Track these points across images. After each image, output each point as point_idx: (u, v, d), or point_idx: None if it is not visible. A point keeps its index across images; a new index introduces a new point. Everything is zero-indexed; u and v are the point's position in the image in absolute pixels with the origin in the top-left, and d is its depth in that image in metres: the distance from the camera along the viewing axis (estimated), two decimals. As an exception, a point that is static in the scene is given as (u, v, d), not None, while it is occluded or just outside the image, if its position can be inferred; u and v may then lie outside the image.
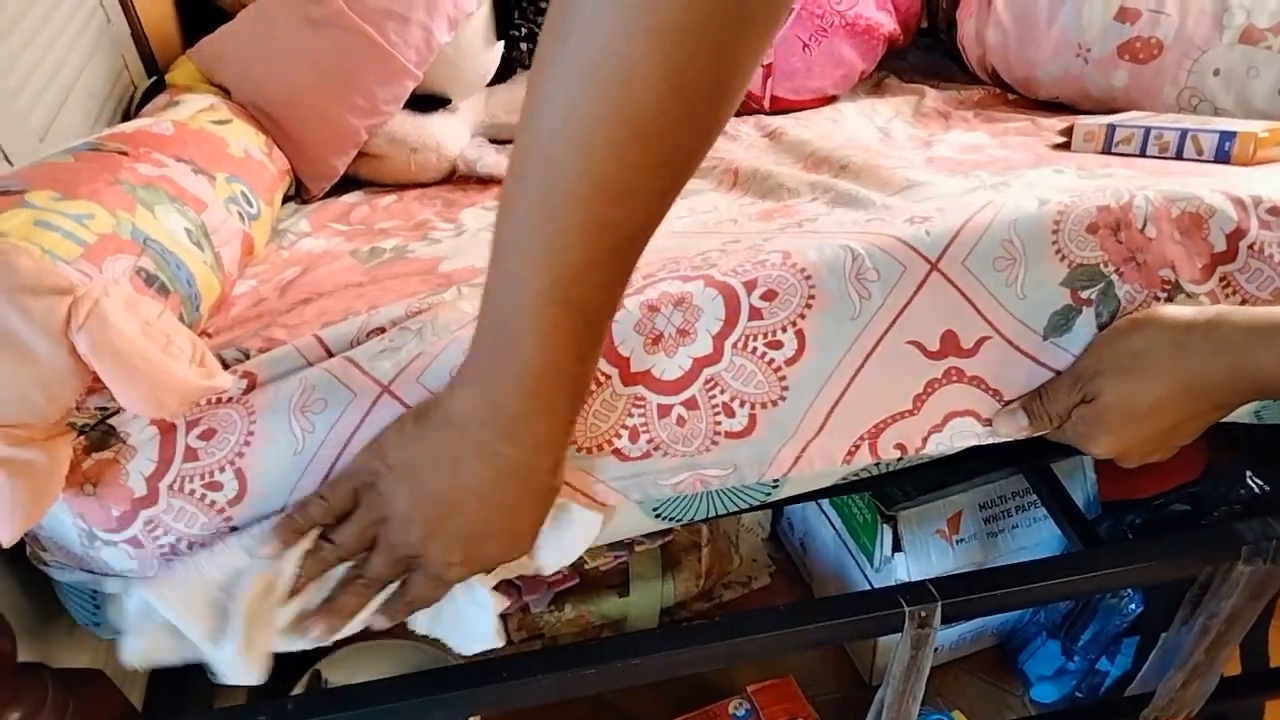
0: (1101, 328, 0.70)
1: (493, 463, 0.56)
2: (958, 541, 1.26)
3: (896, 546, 1.24)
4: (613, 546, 1.31)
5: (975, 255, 0.68)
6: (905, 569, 1.24)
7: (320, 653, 1.20)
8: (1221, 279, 0.71)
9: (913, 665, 0.82)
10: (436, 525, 0.58)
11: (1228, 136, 0.89)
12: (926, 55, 1.47)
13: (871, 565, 1.28)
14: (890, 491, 1.24)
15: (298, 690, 1.14)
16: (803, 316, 0.66)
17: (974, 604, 0.80)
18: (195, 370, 0.60)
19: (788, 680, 1.23)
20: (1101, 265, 0.69)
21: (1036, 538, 1.28)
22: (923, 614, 0.77)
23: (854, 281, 0.66)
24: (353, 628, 0.64)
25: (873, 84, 1.39)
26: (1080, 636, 1.24)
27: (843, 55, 1.28)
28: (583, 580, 1.34)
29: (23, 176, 0.66)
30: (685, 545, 1.39)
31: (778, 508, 1.50)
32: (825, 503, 1.37)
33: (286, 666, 1.14)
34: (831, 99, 1.32)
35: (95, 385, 0.60)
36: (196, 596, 0.63)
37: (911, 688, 0.85)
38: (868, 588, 1.30)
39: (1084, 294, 0.69)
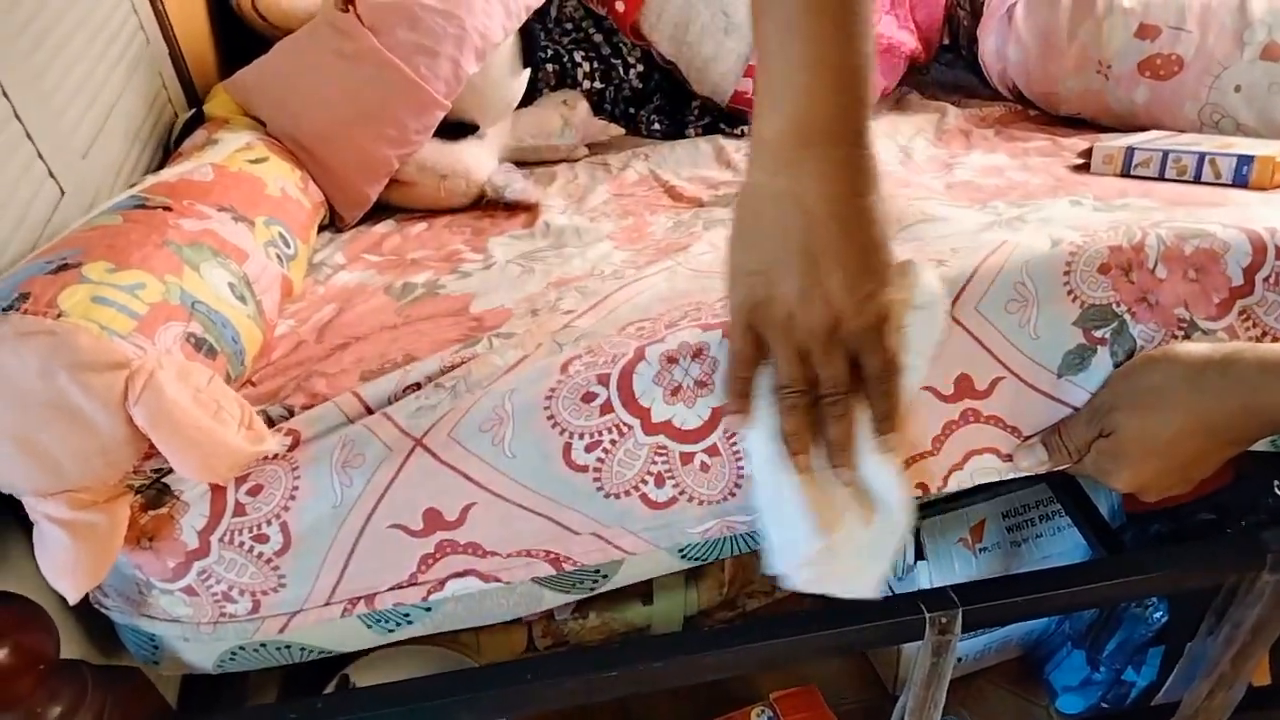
0: (1118, 366, 0.71)
1: (820, 175, 0.58)
2: (980, 550, 1.26)
3: (919, 555, 1.24)
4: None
5: (988, 299, 0.69)
6: (928, 577, 1.24)
7: (348, 657, 1.24)
8: (1241, 313, 0.72)
9: (934, 672, 0.83)
10: (828, 280, 0.59)
11: (1246, 160, 0.89)
12: (948, 71, 1.47)
13: (894, 574, 1.30)
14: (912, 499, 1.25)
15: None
16: (819, 366, 0.68)
17: (995, 611, 0.81)
18: (244, 435, 0.64)
19: (811, 688, 1.23)
20: (1114, 305, 0.70)
21: (1060, 547, 1.28)
22: (943, 620, 0.78)
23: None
24: (875, 464, 0.66)
25: (894, 100, 1.39)
26: (1105, 646, 1.24)
27: (864, 73, 1.29)
28: (606, 587, 1.36)
29: (78, 244, 0.69)
30: (710, 554, 1.40)
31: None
32: (849, 512, 1.38)
33: (315, 671, 1.19)
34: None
35: (151, 451, 0.64)
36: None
37: (933, 695, 0.85)
38: (887, 596, 1.31)
39: (1097, 333, 0.71)
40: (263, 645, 0.73)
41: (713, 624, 1.43)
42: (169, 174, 0.90)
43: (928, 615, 0.78)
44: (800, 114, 0.58)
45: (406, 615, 0.73)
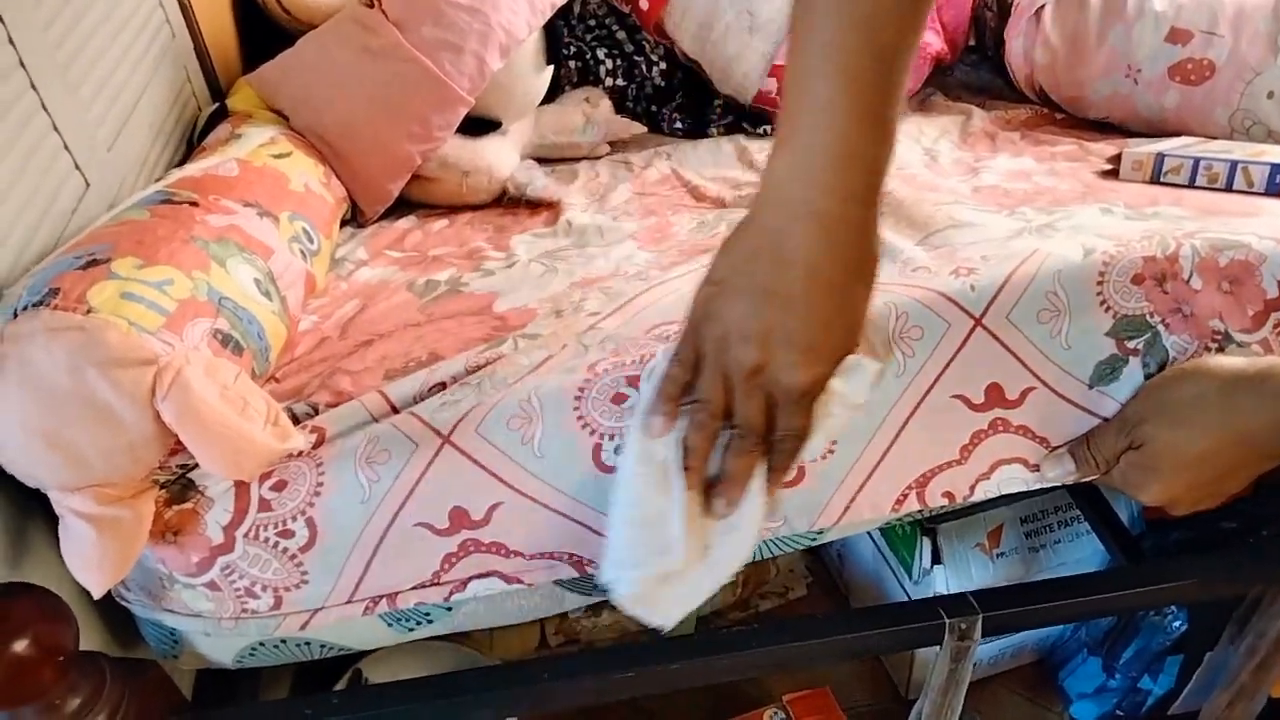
0: (1149, 377, 0.71)
1: (814, 223, 0.55)
2: (998, 555, 1.25)
3: (936, 559, 1.23)
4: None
5: (1019, 308, 0.69)
6: (944, 582, 1.23)
7: (361, 652, 1.24)
8: (1276, 326, 0.71)
9: (952, 678, 0.82)
10: (771, 322, 0.56)
11: (1279, 169, 0.89)
12: (973, 72, 1.46)
13: (910, 578, 1.28)
14: (930, 503, 1.24)
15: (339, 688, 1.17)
16: (849, 374, 0.68)
17: (1015, 618, 0.80)
18: (270, 432, 0.64)
19: (824, 691, 1.23)
20: (1147, 316, 0.70)
21: (1079, 553, 1.27)
22: (963, 626, 0.78)
23: (898, 340, 0.68)
24: (752, 507, 0.63)
25: (919, 101, 1.38)
26: (1122, 654, 1.23)
27: (889, 74, 1.28)
28: (621, 585, 1.36)
29: (107, 240, 0.69)
30: (722, 555, 1.40)
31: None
32: (863, 515, 1.38)
33: (328, 666, 1.19)
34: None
35: (177, 447, 0.64)
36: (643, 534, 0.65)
37: (950, 701, 0.85)
38: (906, 600, 1.31)
39: (1130, 344, 0.70)
40: (283, 641, 0.73)
41: (725, 624, 1.43)
42: (194, 169, 0.90)
43: (947, 621, 0.77)
44: (825, 153, 0.54)
45: (427, 614, 0.73)
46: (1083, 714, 1.28)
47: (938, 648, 0.80)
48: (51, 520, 0.65)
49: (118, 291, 0.63)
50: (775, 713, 1.23)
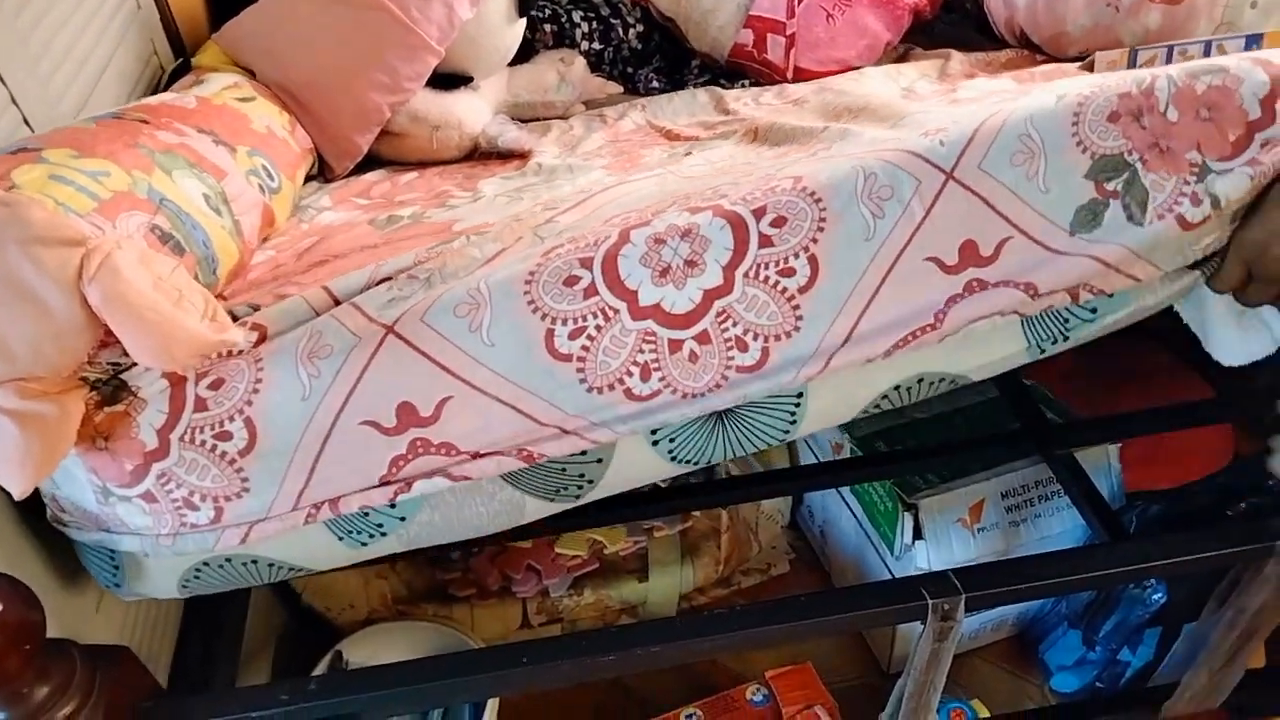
0: (1130, 219, 0.66)
1: None
2: (979, 530, 1.22)
3: (917, 534, 1.21)
4: (632, 532, 1.31)
5: (991, 155, 0.65)
6: (926, 557, 1.21)
7: (340, 634, 1.21)
8: (1264, 144, 0.66)
9: (935, 657, 0.80)
10: None
11: (1255, 39, 0.86)
12: (952, 30, 1.42)
13: (892, 553, 1.25)
14: (912, 479, 1.22)
15: (319, 670, 1.14)
16: (815, 241, 0.64)
17: (998, 596, 0.80)
18: (207, 325, 0.60)
19: (806, 667, 1.21)
20: (1125, 154, 0.65)
21: (1059, 527, 1.24)
22: (946, 607, 0.76)
23: (866, 200, 0.64)
24: None
25: (897, 56, 1.35)
26: (1102, 626, 1.20)
27: (867, 25, 1.26)
28: (602, 565, 1.33)
29: (42, 138, 0.67)
30: (705, 532, 1.37)
31: (798, 495, 1.49)
32: (845, 490, 1.35)
33: (309, 650, 1.16)
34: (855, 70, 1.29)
35: (107, 339, 0.60)
36: None
37: (933, 678, 0.83)
38: (887, 576, 1.27)
39: (1109, 185, 0.65)
40: (227, 560, 0.69)
41: (707, 602, 1.41)
42: (150, 99, 0.88)
43: (930, 601, 0.76)
44: None
45: (380, 526, 0.69)
46: (1063, 686, 1.26)
47: (921, 625, 0.78)
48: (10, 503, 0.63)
49: (46, 174, 0.61)
50: (757, 689, 1.21)
